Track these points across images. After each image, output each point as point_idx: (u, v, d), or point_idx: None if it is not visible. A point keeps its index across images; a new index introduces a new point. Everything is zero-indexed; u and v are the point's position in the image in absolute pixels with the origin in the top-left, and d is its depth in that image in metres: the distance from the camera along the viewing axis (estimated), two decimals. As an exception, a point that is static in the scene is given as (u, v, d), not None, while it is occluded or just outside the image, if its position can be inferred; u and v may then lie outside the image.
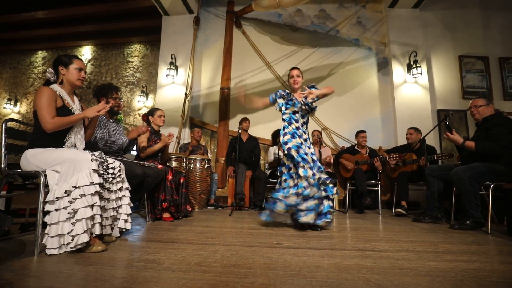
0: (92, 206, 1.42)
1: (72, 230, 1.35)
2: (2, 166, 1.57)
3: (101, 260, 1.26)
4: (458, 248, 1.62)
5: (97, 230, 1.44)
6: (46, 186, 1.47)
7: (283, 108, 2.48)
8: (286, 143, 2.31)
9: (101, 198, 1.53)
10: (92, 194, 1.43)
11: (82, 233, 1.35)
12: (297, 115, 2.42)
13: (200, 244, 1.61)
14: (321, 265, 1.24)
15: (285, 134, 2.37)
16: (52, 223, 1.36)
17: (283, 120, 2.46)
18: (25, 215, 2.82)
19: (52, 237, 1.35)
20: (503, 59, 4.76)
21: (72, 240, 1.35)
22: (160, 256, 1.33)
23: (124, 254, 1.37)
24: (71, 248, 1.35)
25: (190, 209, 2.77)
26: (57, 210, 1.37)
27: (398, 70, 4.63)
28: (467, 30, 4.86)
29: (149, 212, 2.46)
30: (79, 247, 1.36)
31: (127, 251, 1.44)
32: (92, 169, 1.45)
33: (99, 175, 1.50)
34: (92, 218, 1.42)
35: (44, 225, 1.40)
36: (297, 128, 2.37)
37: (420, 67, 4.41)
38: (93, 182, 1.43)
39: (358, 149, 3.83)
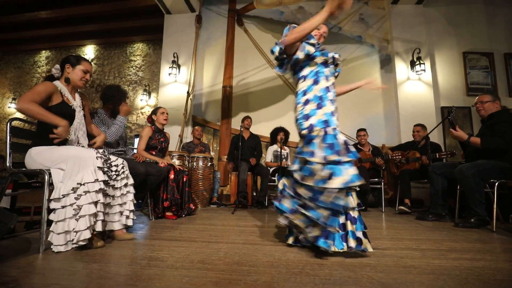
0: (96, 203, 1.43)
1: (76, 226, 1.37)
2: (8, 164, 1.59)
3: (105, 257, 1.27)
4: (462, 246, 1.61)
5: (98, 227, 1.45)
6: (51, 184, 1.48)
7: (311, 50, 1.50)
8: (307, 117, 1.43)
9: (106, 195, 1.55)
10: (96, 191, 1.44)
11: (85, 229, 1.37)
12: (326, 70, 1.53)
13: (203, 242, 1.62)
14: (324, 263, 1.24)
15: (306, 102, 1.46)
16: (59, 220, 1.38)
17: (303, 78, 1.52)
18: (30, 213, 2.85)
19: (58, 234, 1.36)
20: (508, 55, 4.70)
21: (75, 236, 1.36)
22: (164, 254, 1.34)
23: (127, 252, 1.38)
24: (73, 244, 1.36)
25: (193, 207, 2.78)
26: (63, 207, 1.39)
27: (401, 67, 4.59)
28: (471, 26, 4.81)
29: (152, 210, 2.47)
30: (81, 243, 1.37)
31: (130, 248, 1.45)
32: (97, 167, 1.47)
33: (104, 172, 1.51)
34: (95, 215, 1.43)
35: (49, 223, 1.41)
36: (327, 89, 1.49)
37: (424, 64, 4.37)
38: (97, 179, 1.45)
39: (360, 147, 3.82)
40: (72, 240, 1.36)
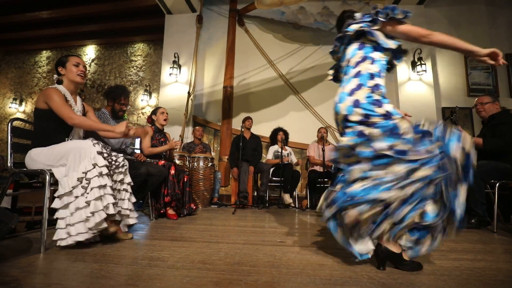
0: (102, 187, 1.46)
1: (89, 214, 1.39)
2: (9, 164, 1.59)
3: (106, 257, 1.28)
4: (463, 246, 1.61)
5: (111, 210, 1.47)
6: (52, 184, 1.49)
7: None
8: (378, 103, 1.17)
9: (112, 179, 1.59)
10: (99, 175, 1.46)
11: (99, 211, 1.41)
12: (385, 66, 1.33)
13: (203, 242, 1.62)
14: (324, 263, 1.24)
15: (375, 87, 1.21)
16: (69, 214, 1.40)
17: (372, 60, 1.27)
18: (31, 213, 2.85)
19: (72, 225, 1.39)
20: (509, 56, 4.68)
21: (91, 223, 1.40)
22: (164, 254, 1.34)
23: (128, 252, 1.38)
24: (92, 233, 1.41)
25: (194, 207, 2.78)
26: (76, 197, 1.41)
27: (402, 67, 4.58)
28: (472, 27, 4.80)
29: (153, 210, 2.47)
30: (100, 228, 1.43)
31: (131, 248, 1.45)
32: (97, 152, 1.49)
33: (104, 158, 1.53)
34: (103, 199, 1.46)
35: (49, 222, 1.42)
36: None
37: (425, 64, 4.37)
38: (97, 164, 1.47)
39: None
40: (91, 228, 1.40)
